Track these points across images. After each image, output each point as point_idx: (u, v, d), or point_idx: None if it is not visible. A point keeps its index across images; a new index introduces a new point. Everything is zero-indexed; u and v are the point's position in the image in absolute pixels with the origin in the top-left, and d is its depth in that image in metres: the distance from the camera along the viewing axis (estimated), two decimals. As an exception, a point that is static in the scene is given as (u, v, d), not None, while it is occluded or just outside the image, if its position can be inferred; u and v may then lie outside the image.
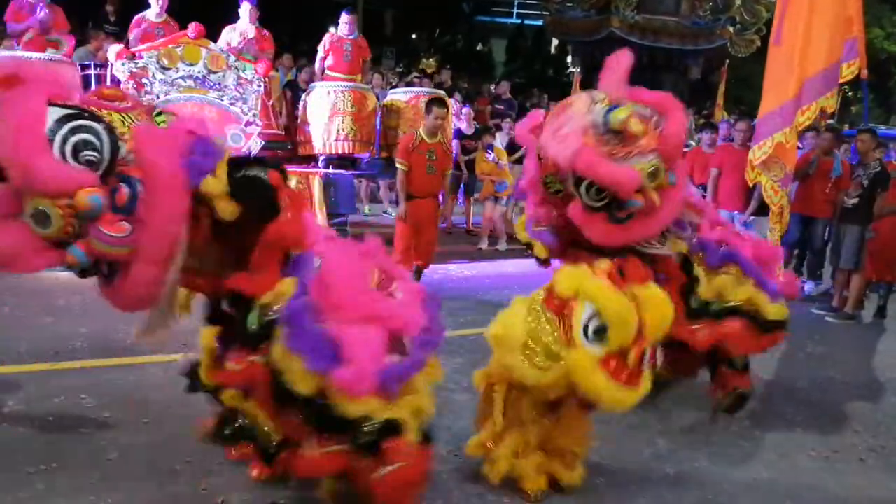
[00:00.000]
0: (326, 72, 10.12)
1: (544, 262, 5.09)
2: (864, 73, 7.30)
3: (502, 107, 15.26)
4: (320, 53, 10.20)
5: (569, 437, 3.76)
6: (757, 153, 7.22)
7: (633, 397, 3.37)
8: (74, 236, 2.75)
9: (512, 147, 11.45)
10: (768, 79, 7.20)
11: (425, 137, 7.75)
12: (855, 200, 8.22)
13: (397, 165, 7.73)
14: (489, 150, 11.16)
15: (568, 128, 4.17)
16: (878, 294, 8.87)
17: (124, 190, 2.77)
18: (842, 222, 8.37)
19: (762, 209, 7.95)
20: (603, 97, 4.25)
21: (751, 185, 7.61)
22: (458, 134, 11.78)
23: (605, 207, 4.17)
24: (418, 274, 7.66)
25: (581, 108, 4.24)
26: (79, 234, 2.75)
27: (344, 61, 10.11)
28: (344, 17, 10.10)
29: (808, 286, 9.27)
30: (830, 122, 10.54)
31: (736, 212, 8.47)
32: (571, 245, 4.76)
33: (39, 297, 6.36)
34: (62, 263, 2.84)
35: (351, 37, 10.25)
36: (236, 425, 3.33)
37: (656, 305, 3.43)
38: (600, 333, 3.33)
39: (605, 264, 3.50)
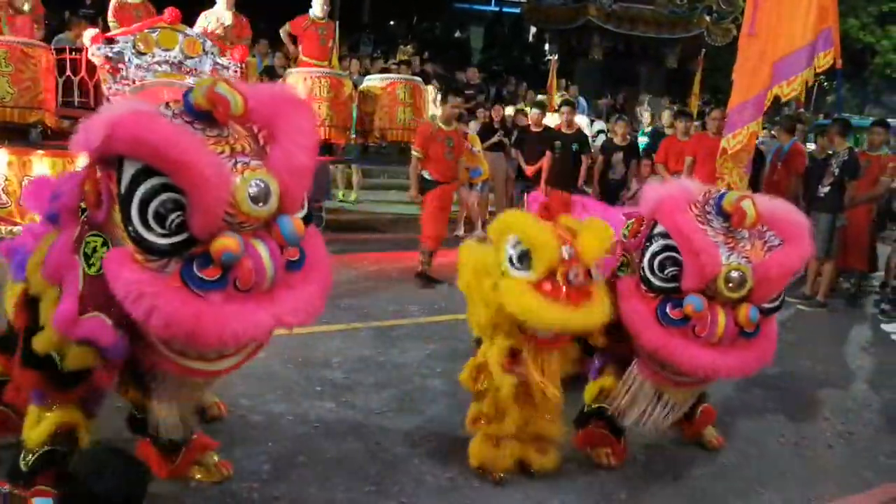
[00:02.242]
0: (301, 57, 10.07)
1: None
2: (839, 62, 7.36)
3: (472, 91, 15.25)
4: (287, 29, 10.19)
5: (544, 423, 3.81)
6: (731, 142, 7.26)
7: (578, 315, 3.35)
8: None
9: (484, 133, 11.45)
10: (741, 68, 7.23)
11: (442, 126, 8.03)
12: (826, 189, 8.31)
13: (413, 153, 8.03)
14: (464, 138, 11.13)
15: (670, 184, 3.71)
16: (850, 282, 8.99)
17: None
18: (812, 210, 8.47)
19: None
20: (721, 189, 3.80)
21: (718, 174, 7.61)
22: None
23: (663, 293, 3.52)
24: (431, 256, 8.07)
25: (693, 183, 3.72)
26: None
27: (319, 46, 10.08)
28: None
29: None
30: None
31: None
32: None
33: None
34: None
35: (325, 20, 10.23)
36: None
37: (590, 228, 3.48)
38: (524, 259, 3.39)
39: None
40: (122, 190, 2.35)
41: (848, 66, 8.35)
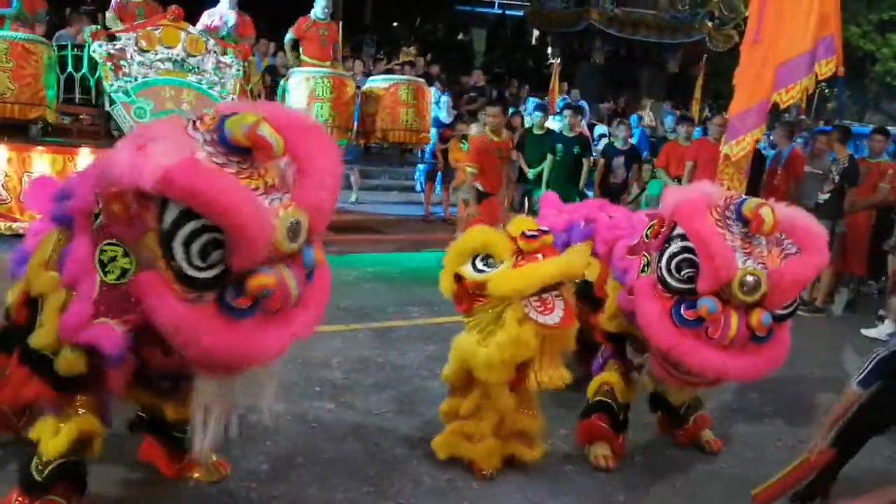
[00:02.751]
0: (302, 58, 10.07)
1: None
2: (841, 70, 7.36)
3: (475, 94, 15.26)
4: (291, 35, 10.16)
5: (528, 419, 3.88)
6: (735, 149, 7.25)
7: (552, 264, 3.62)
8: None
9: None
10: (743, 75, 7.23)
11: (493, 137, 8.11)
12: (826, 196, 8.32)
13: (467, 169, 8.13)
14: (463, 140, 11.02)
15: (692, 188, 3.73)
16: (849, 288, 8.99)
17: None
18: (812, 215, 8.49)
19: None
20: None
21: (718, 180, 7.58)
22: (437, 123, 11.77)
23: (678, 293, 3.50)
24: None
25: (715, 188, 3.75)
26: None
27: (321, 47, 10.06)
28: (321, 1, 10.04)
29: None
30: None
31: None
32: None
33: None
34: None
35: (326, 20, 10.20)
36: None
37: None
38: (488, 259, 3.67)
39: None
40: (165, 227, 2.37)
41: (848, 74, 8.37)
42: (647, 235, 3.90)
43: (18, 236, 7.39)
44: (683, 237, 3.48)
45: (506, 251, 3.62)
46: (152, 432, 3.44)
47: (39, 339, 2.76)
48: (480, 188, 8.06)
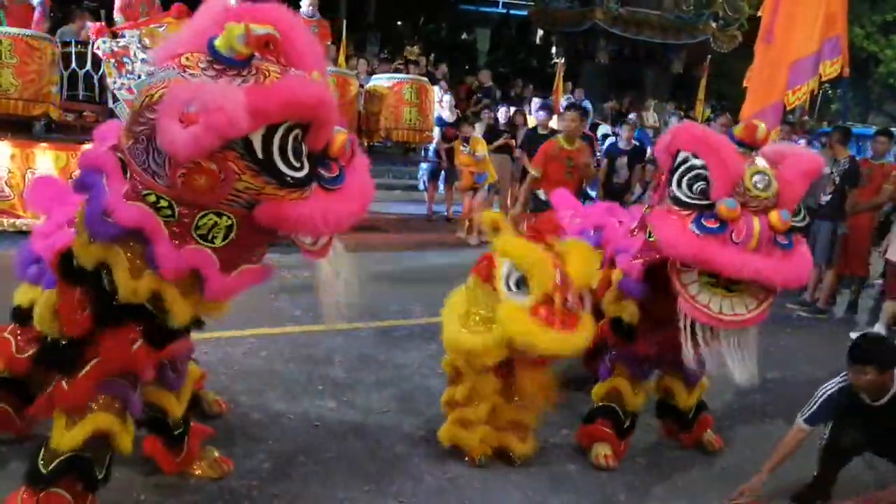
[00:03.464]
0: None
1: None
2: (846, 71, 7.34)
3: (481, 94, 15.26)
4: None
5: (522, 410, 3.91)
6: None
7: (571, 340, 3.52)
8: None
9: (490, 134, 11.44)
10: (757, 76, 7.18)
11: (564, 144, 7.76)
12: (828, 197, 8.32)
13: (531, 171, 7.81)
14: (465, 143, 10.99)
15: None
16: (850, 289, 8.99)
17: None
18: (814, 218, 8.47)
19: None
20: None
21: None
22: (440, 121, 11.77)
23: (696, 208, 3.47)
24: None
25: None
26: None
27: None
28: None
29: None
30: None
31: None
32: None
33: None
34: None
35: (314, 18, 10.10)
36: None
37: (578, 253, 3.71)
38: (521, 284, 3.55)
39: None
40: (260, 154, 2.41)
41: (852, 75, 8.35)
42: (646, 211, 3.96)
43: (21, 233, 7.40)
44: (688, 158, 3.52)
45: (542, 284, 3.52)
46: (154, 429, 3.45)
47: (131, 288, 2.66)
48: (542, 196, 7.49)
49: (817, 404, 3.87)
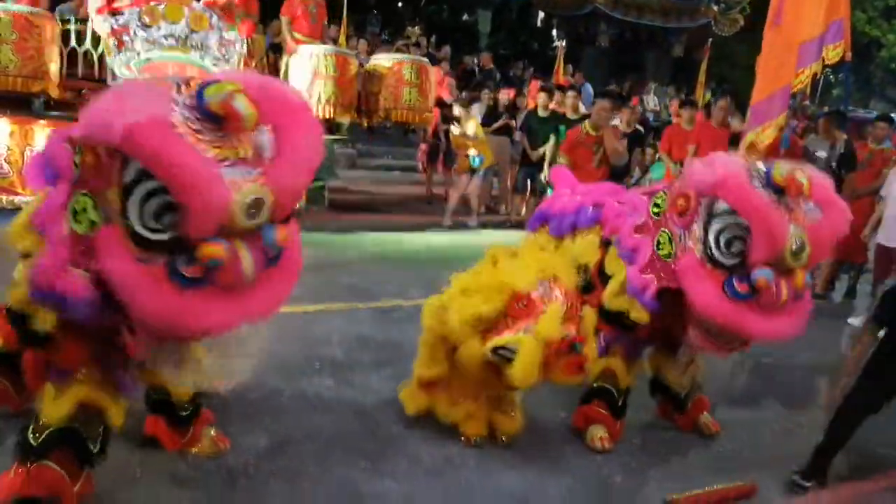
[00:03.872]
0: (294, 35, 10.01)
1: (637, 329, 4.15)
2: (849, 55, 7.31)
3: (481, 76, 15.22)
4: (287, 19, 10.09)
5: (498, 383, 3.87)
6: (760, 136, 7.15)
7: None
8: None
9: (490, 117, 11.41)
10: (766, 61, 7.14)
11: (590, 130, 7.68)
12: (826, 181, 8.32)
13: (559, 160, 7.69)
14: (455, 124, 10.94)
15: (717, 162, 3.56)
16: (849, 275, 9.00)
17: None
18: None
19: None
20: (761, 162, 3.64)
21: None
22: (440, 102, 11.75)
23: (729, 270, 3.49)
24: None
25: (736, 159, 3.64)
26: None
27: (310, 24, 10.01)
28: None
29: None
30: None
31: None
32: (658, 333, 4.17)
33: None
34: None
35: None
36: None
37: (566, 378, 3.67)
38: (502, 360, 3.57)
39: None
40: (125, 183, 2.35)
41: (854, 60, 8.32)
42: (654, 213, 3.90)
43: (20, 210, 7.40)
44: (729, 212, 3.46)
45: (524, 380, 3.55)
46: (157, 409, 3.46)
47: (17, 295, 2.80)
48: (544, 178, 7.57)
49: (879, 305, 3.93)
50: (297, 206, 7.66)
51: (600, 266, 4.17)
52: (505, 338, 3.54)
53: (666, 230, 3.78)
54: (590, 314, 3.77)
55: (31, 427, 2.89)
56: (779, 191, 3.37)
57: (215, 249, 2.34)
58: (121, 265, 2.36)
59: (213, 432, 3.63)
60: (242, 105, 2.36)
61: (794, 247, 3.35)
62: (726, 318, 3.48)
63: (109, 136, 2.26)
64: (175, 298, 2.36)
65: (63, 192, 2.58)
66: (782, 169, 3.37)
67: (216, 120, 2.36)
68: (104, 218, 2.44)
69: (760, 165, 3.50)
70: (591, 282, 4.20)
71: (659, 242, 3.81)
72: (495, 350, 3.56)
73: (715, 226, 3.51)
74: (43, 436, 2.86)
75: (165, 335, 2.53)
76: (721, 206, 3.49)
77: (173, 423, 3.47)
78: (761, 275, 3.37)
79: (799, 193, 3.37)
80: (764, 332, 3.52)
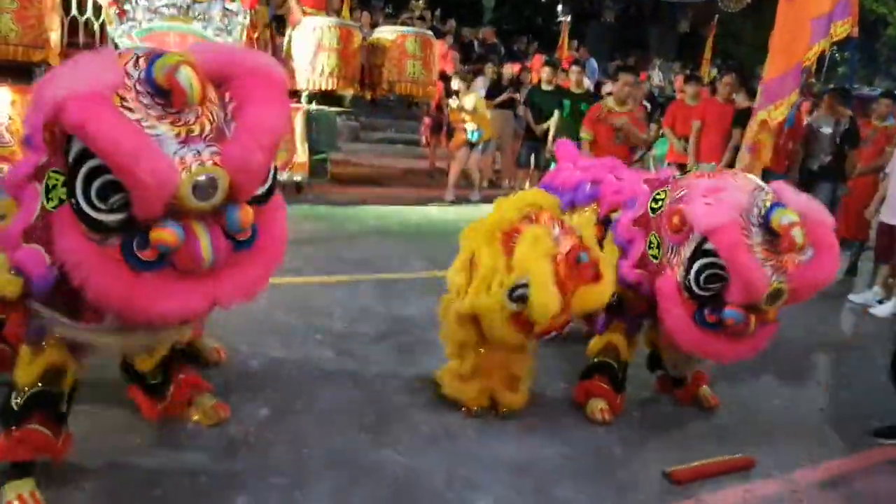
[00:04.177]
0: (301, 7, 9.95)
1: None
2: (855, 31, 7.24)
3: (483, 51, 15.14)
4: None
5: (515, 364, 3.94)
6: (773, 114, 7.09)
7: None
8: None
9: (494, 90, 11.37)
10: (779, 36, 7.06)
11: (614, 106, 7.66)
12: (828, 158, 8.30)
13: (581, 136, 7.70)
14: (453, 97, 10.89)
15: (723, 195, 3.51)
16: (850, 252, 8.99)
17: None
18: (813, 180, 8.45)
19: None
20: (770, 191, 3.59)
21: (750, 143, 7.37)
22: (444, 76, 11.70)
23: (702, 301, 3.57)
24: None
25: (744, 186, 3.58)
26: None
27: None
28: None
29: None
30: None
31: (716, 164, 8.53)
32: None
33: None
34: None
35: None
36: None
37: (589, 294, 3.64)
38: (521, 301, 3.49)
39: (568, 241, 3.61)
40: (70, 160, 2.30)
41: (860, 37, 8.26)
42: (653, 209, 3.90)
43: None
44: (714, 253, 3.46)
45: (542, 316, 3.47)
46: (129, 380, 3.46)
47: None
48: (547, 154, 7.52)
49: None
50: (300, 179, 7.67)
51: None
52: (512, 276, 3.53)
53: (657, 235, 3.82)
54: (586, 223, 3.87)
55: (11, 394, 2.88)
56: (773, 234, 3.39)
57: (164, 234, 2.26)
58: (74, 244, 2.31)
59: (213, 401, 3.64)
60: (186, 78, 2.24)
61: (770, 293, 3.41)
62: (691, 344, 3.67)
63: (46, 111, 2.21)
64: (130, 281, 2.31)
65: (30, 164, 2.54)
66: (784, 217, 3.34)
67: (164, 94, 2.27)
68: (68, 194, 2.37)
69: (766, 200, 3.48)
70: None
71: (650, 243, 3.86)
72: (511, 294, 3.51)
73: (699, 262, 3.52)
74: (22, 400, 2.84)
75: (123, 318, 2.47)
76: (710, 246, 3.48)
77: (147, 391, 3.46)
78: (731, 316, 3.50)
79: (791, 250, 3.38)
80: (726, 356, 3.78)
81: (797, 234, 3.31)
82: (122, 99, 2.24)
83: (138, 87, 2.27)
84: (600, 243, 4.10)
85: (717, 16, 18.98)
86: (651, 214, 3.90)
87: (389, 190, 10.70)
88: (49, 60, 7.74)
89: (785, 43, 6.99)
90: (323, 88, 9.22)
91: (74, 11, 7.87)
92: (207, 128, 2.32)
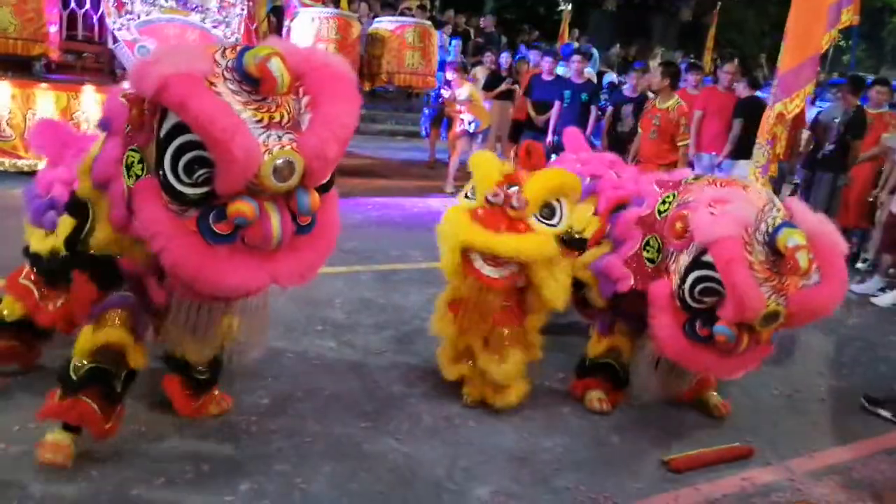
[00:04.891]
0: None
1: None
2: (856, 18, 7.19)
3: (482, 40, 15.10)
4: None
5: (500, 366, 3.85)
6: (789, 106, 7.01)
7: (510, 243, 3.61)
8: None
9: (493, 80, 11.34)
10: (793, 29, 6.97)
11: (657, 103, 7.76)
12: (831, 147, 8.26)
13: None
14: (447, 87, 10.86)
15: (730, 208, 3.40)
16: (852, 241, 8.98)
17: None
18: (816, 169, 8.42)
19: (744, 153, 7.95)
20: (781, 208, 3.50)
21: (768, 137, 7.16)
22: (444, 67, 11.68)
23: (694, 313, 3.50)
24: None
25: (754, 200, 3.46)
26: None
27: None
28: None
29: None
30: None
31: (717, 154, 8.52)
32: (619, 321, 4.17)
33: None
34: None
35: None
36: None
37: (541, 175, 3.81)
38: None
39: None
40: (161, 135, 2.43)
41: (865, 26, 8.21)
42: (660, 212, 3.82)
43: (23, 173, 7.41)
44: (712, 266, 3.36)
45: (483, 185, 3.73)
46: (174, 369, 3.49)
47: (99, 239, 2.89)
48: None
49: None
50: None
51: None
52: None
53: (659, 238, 3.76)
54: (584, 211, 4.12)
55: (71, 363, 3.02)
56: (777, 254, 3.29)
57: (243, 206, 2.39)
58: (154, 214, 2.45)
59: (215, 391, 3.66)
60: (277, 67, 2.39)
61: (766, 314, 3.31)
62: (679, 355, 3.58)
63: (146, 87, 2.34)
64: (203, 251, 2.45)
65: (116, 146, 2.68)
66: (790, 239, 3.21)
67: (253, 82, 2.42)
68: (146, 172, 2.54)
69: (776, 218, 3.38)
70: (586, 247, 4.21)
71: (648, 244, 3.80)
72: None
73: (696, 273, 3.44)
74: (80, 372, 3.00)
75: (193, 289, 2.59)
76: (709, 259, 3.39)
77: (188, 387, 3.50)
78: (722, 332, 3.38)
79: (794, 274, 3.28)
80: (713, 370, 3.74)
81: (802, 258, 3.18)
82: (212, 84, 2.38)
83: (226, 75, 2.43)
84: (602, 238, 4.12)
85: (719, 4, 18.92)
86: (657, 216, 3.81)
87: (389, 181, 10.69)
88: (48, 54, 7.76)
89: (800, 33, 6.90)
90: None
91: (73, 5, 7.88)
92: (286, 117, 2.48)
